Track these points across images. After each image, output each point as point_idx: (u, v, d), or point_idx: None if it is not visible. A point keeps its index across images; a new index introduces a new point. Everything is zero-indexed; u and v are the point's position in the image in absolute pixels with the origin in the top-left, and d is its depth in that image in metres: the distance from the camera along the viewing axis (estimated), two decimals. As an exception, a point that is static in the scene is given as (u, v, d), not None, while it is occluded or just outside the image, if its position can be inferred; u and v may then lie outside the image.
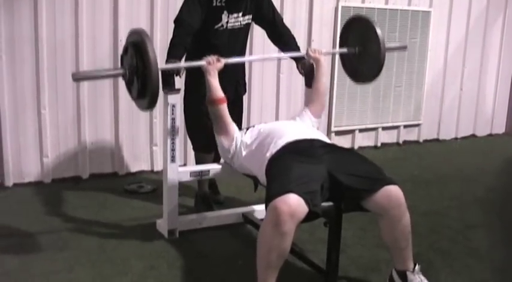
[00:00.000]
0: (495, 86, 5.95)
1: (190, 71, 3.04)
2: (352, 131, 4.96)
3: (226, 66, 3.06)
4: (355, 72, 2.97)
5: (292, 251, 2.13)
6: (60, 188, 3.65)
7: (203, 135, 3.06)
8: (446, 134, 5.69)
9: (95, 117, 3.86)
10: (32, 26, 3.55)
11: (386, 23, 4.90)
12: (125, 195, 3.56)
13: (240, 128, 3.05)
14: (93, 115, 3.84)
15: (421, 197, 3.63)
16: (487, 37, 5.70)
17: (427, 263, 2.51)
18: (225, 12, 2.94)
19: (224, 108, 2.60)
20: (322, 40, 4.70)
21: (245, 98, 3.44)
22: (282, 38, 3.20)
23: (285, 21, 3.27)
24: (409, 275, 2.22)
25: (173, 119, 2.72)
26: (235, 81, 3.18)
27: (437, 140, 5.62)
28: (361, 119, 4.98)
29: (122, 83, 3.81)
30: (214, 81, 2.56)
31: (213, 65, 2.55)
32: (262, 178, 2.34)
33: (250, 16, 3.07)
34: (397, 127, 5.25)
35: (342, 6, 4.68)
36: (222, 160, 2.97)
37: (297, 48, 3.18)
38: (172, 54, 2.77)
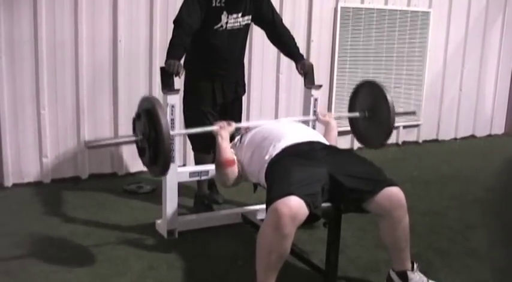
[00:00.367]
0: (494, 87, 5.95)
1: (189, 72, 3.04)
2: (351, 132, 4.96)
3: (225, 66, 3.08)
4: (363, 136, 2.92)
5: (292, 251, 2.12)
6: (59, 188, 3.65)
7: (202, 135, 3.05)
8: (446, 135, 5.69)
9: (94, 118, 3.86)
10: (31, 26, 3.55)
11: (385, 23, 4.91)
12: (124, 196, 3.56)
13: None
14: (92, 115, 3.84)
15: (421, 197, 3.63)
16: (487, 37, 5.71)
17: (427, 263, 2.51)
18: (225, 12, 2.94)
19: (233, 170, 2.46)
20: (321, 41, 4.71)
21: (244, 98, 3.44)
22: (281, 39, 3.20)
23: (284, 21, 3.27)
24: (409, 274, 2.22)
25: (172, 120, 2.72)
26: (234, 82, 3.18)
27: (436, 140, 5.63)
28: (360, 119, 4.98)
29: (120, 83, 3.87)
30: (226, 145, 2.47)
31: (224, 129, 2.49)
32: (262, 180, 2.33)
33: (250, 17, 3.07)
34: (396, 127, 5.25)
35: (341, 7, 4.68)
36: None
37: (296, 49, 3.18)
38: (172, 54, 2.77)
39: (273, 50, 3.47)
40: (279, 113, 4.60)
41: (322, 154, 2.27)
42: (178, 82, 2.87)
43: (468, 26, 5.53)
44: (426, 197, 3.70)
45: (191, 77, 3.09)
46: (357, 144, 5.04)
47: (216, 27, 2.96)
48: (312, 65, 3.13)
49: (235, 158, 2.46)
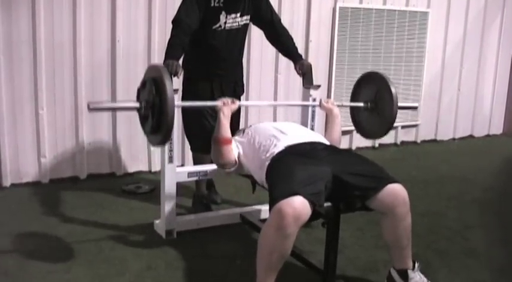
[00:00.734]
0: (493, 87, 5.97)
1: (188, 72, 3.04)
2: (350, 132, 4.95)
3: (224, 66, 3.08)
4: (363, 127, 2.92)
5: (291, 251, 2.12)
6: (58, 188, 3.65)
7: (201, 135, 3.06)
8: (444, 135, 5.70)
9: (92, 118, 3.85)
10: (29, 27, 3.54)
11: (384, 23, 4.92)
12: (122, 196, 3.55)
13: (237, 128, 3.05)
14: (90, 115, 3.83)
15: (419, 198, 3.63)
16: (485, 37, 5.72)
17: (425, 263, 2.51)
18: (223, 12, 2.94)
19: (228, 148, 2.48)
20: (320, 41, 4.71)
21: (243, 98, 3.44)
22: (280, 39, 3.20)
23: (283, 21, 3.27)
24: (410, 273, 2.23)
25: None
26: (233, 82, 3.18)
27: (435, 140, 5.64)
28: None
29: (119, 83, 3.87)
30: (226, 122, 2.47)
31: (227, 106, 2.49)
32: (261, 179, 2.33)
33: (248, 17, 3.07)
34: (394, 128, 5.26)
35: (340, 7, 4.68)
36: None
37: (295, 49, 3.19)
38: (170, 54, 2.76)
39: (271, 50, 3.47)
40: (277, 113, 4.60)
41: (323, 154, 2.28)
42: (177, 82, 2.87)
43: (466, 26, 5.54)
44: (425, 197, 3.70)
45: (190, 77, 3.09)
46: (355, 144, 5.06)
47: (214, 27, 2.96)
48: (310, 65, 3.13)
49: (232, 138, 2.50)
